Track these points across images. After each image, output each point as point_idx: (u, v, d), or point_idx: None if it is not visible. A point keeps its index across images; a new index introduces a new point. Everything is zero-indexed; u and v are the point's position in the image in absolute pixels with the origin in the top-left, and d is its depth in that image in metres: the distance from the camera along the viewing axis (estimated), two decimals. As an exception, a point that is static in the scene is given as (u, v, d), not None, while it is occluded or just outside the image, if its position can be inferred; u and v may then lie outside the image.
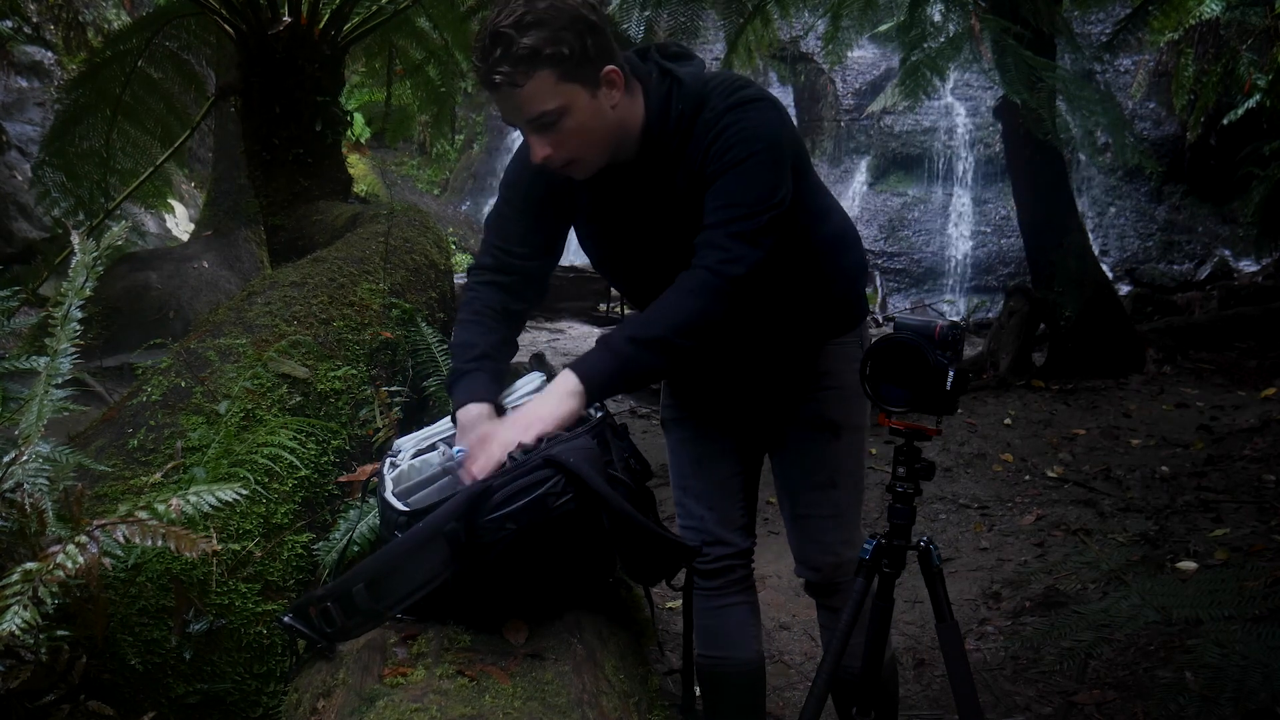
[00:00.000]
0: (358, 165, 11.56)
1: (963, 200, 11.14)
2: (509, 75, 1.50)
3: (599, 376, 1.60)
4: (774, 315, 1.81)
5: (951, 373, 1.64)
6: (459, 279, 3.09)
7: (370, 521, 2.05)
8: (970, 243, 10.81)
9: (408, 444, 1.81)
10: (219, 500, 1.65)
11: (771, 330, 1.85)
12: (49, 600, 1.41)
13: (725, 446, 2.00)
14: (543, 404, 1.58)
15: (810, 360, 1.93)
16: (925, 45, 5.17)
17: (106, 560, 1.51)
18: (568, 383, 1.59)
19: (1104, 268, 7.85)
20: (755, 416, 1.99)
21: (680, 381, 2.03)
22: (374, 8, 4.89)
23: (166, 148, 5.32)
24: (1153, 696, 2.53)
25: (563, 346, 8.55)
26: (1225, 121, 7.71)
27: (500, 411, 1.66)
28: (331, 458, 2.31)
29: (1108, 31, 7.21)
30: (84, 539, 1.49)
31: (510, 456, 1.50)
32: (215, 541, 1.59)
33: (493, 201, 1.90)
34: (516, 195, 1.80)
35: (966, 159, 11.24)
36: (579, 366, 1.61)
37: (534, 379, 2.05)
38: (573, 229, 1.88)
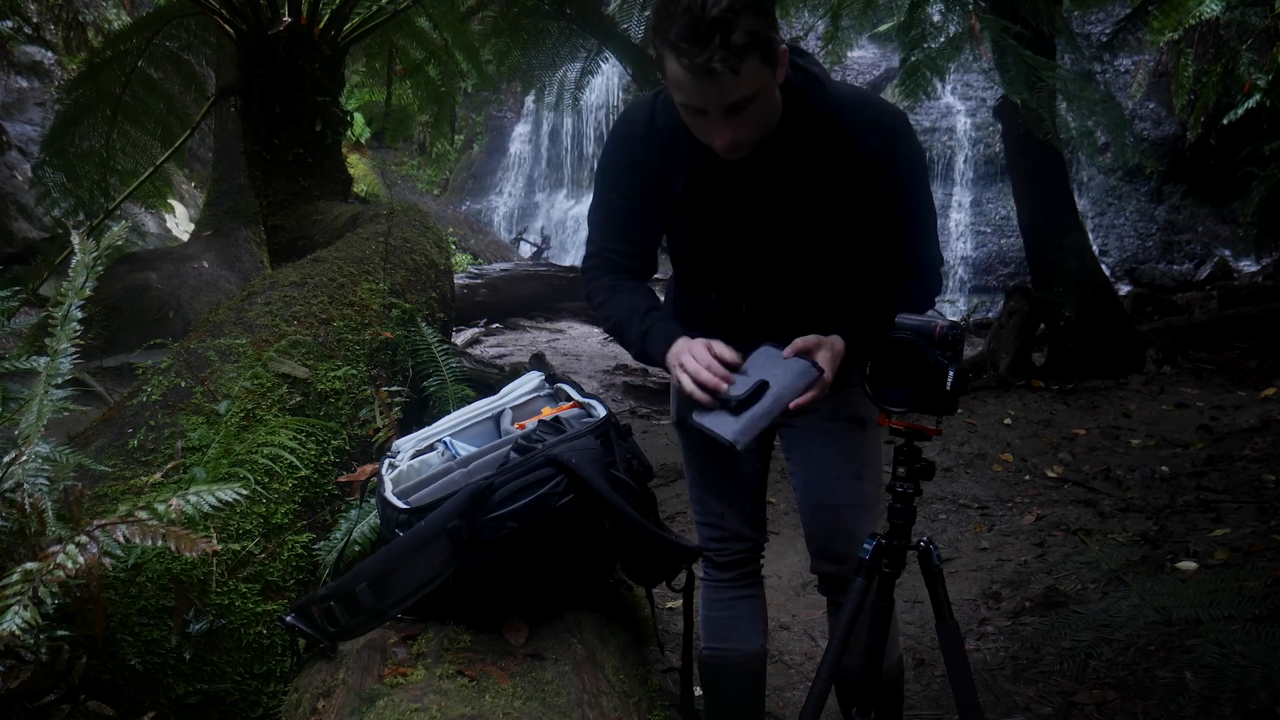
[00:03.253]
0: (358, 165, 11.54)
1: (962, 200, 11.12)
2: (729, 62, 1.47)
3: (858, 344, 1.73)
4: (822, 312, 1.81)
5: (951, 373, 1.64)
6: (459, 279, 3.09)
7: (371, 521, 2.05)
8: (970, 243, 10.79)
9: (406, 445, 1.82)
10: (219, 500, 1.65)
11: (815, 326, 1.83)
12: (49, 600, 1.41)
13: None
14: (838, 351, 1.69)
15: None
16: (925, 45, 5.16)
17: (106, 560, 1.51)
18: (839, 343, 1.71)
19: (1104, 268, 7.83)
20: None
21: None
22: (374, 8, 4.90)
23: (166, 148, 5.33)
24: (1153, 696, 2.53)
25: (563, 346, 8.53)
26: (1225, 121, 7.71)
27: None
28: (331, 458, 2.31)
29: (1108, 31, 7.20)
30: (84, 539, 1.49)
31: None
32: (215, 541, 1.59)
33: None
34: (625, 180, 1.79)
35: (966, 159, 11.23)
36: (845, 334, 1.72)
37: (533, 378, 2.05)
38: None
